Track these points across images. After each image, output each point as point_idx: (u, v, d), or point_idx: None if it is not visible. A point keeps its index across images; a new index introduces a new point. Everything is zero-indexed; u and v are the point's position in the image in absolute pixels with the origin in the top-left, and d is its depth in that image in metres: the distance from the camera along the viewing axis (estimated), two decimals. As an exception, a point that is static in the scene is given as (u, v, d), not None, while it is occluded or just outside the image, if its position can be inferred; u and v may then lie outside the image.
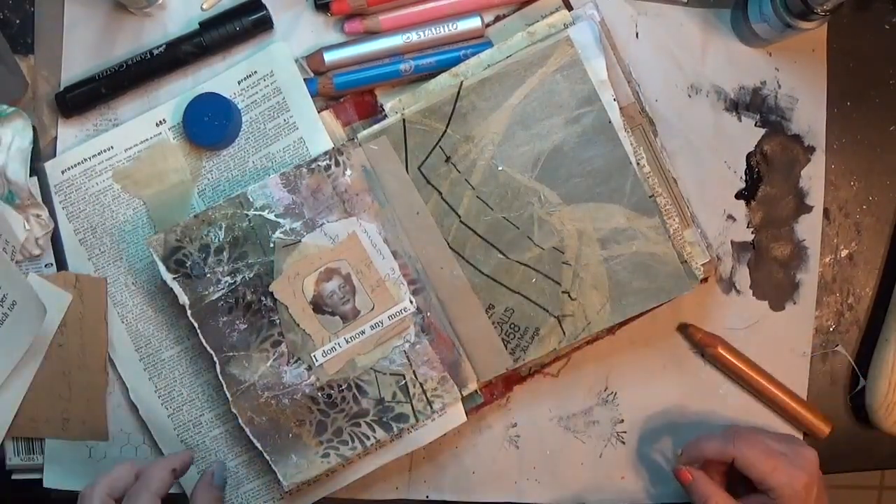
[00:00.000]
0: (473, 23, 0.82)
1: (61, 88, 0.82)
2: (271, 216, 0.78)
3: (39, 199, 0.80)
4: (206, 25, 0.81)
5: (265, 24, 0.81)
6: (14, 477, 0.83)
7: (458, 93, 0.79)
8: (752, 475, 0.76)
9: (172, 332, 0.82)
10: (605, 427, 0.85)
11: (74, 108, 0.81)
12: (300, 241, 0.78)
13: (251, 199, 0.78)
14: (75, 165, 0.81)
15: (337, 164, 0.78)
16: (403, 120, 0.79)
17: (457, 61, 0.81)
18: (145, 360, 0.82)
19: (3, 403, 0.80)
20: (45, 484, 0.82)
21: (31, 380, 0.80)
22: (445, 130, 0.79)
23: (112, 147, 0.81)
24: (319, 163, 0.78)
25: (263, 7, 0.81)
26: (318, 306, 0.78)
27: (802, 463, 0.76)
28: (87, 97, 0.81)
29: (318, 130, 0.81)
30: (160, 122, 0.81)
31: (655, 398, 0.85)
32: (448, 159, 0.79)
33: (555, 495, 0.86)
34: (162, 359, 0.82)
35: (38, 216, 0.80)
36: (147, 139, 0.81)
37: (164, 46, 0.81)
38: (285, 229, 0.78)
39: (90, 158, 0.81)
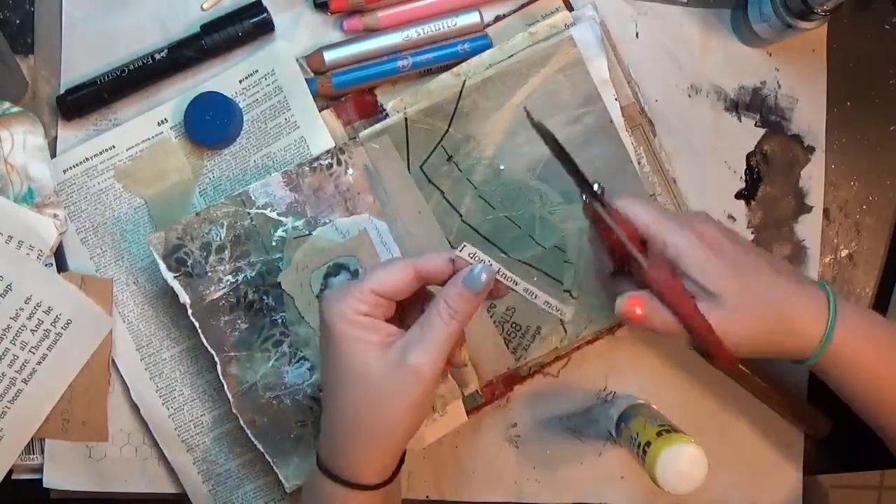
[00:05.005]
0: (472, 18, 0.82)
1: (62, 89, 0.82)
2: (273, 214, 0.78)
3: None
4: (208, 28, 0.81)
5: (266, 27, 0.81)
6: (14, 477, 0.83)
7: (461, 92, 0.79)
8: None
9: (173, 332, 0.82)
10: (605, 427, 0.85)
11: (76, 112, 0.81)
12: (311, 233, 0.78)
13: (253, 198, 0.78)
14: (77, 165, 0.81)
15: (339, 162, 0.78)
16: (406, 119, 0.79)
17: (454, 56, 0.81)
18: (146, 359, 0.82)
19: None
20: (45, 484, 0.82)
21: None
22: (447, 129, 0.79)
23: (114, 146, 0.81)
24: (321, 161, 0.78)
25: (264, 9, 0.81)
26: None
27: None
28: (89, 101, 0.81)
29: (319, 129, 0.81)
30: (162, 121, 0.81)
31: (655, 398, 0.85)
32: (450, 158, 0.79)
33: (555, 495, 0.86)
34: (163, 358, 0.82)
35: (55, 216, 0.80)
36: (148, 138, 0.81)
37: (165, 51, 0.81)
38: (287, 228, 0.78)
39: (92, 158, 0.81)
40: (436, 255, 0.64)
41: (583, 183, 0.64)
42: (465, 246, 0.64)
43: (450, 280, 0.63)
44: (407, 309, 0.67)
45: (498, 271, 0.64)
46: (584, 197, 0.64)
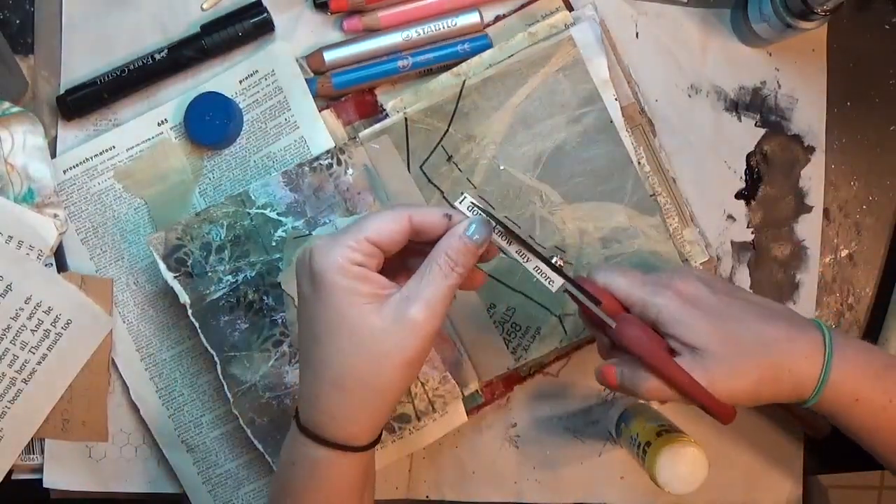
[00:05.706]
0: (472, 18, 0.82)
1: (62, 90, 0.82)
2: (273, 214, 0.78)
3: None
4: (207, 28, 0.81)
5: (266, 27, 0.81)
6: (14, 477, 0.83)
7: (461, 92, 0.79)
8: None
9: (173, 332, 0.82)
10: (605, 427, 0.85)
11: (76, 112, 0.81)
12: (310, 233, 0.78)
13: (253, 198, 0.78)
14: (77, 165, 0.81)
15: (339, 162, 0.78)
16: (406, 119, 0.79)
17: (454, 56, 0.81)
18: (146, 360, 0.82)
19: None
20: (45, 484, 0.82)
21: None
22: (447, 129, 0.79)
23: (114, 147, 0.81)
24: (321, 161, 0.78)
25: (265, 10, 0.81)
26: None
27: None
28: (89, 101, 0.81)
29: (319, 130, 0.81)
30: (162, 121, 0.81)
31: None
32: (450, 158, 0.79)
33: (555, 495, 0.86)
34: (163, 359, 0.82)
35: (55, 216, 0.80)
36: (149, 139, 0.81)
37: (165, 51, 0.81)
38: (287, 228, 0.78)
39: (92, 158, 0.81)
40: (433, 208, 0.61)
41: (542, 259, 0.63)
42: (464, 197, 0.61)
43: (447, 233, 0.60)
44: (389, 264, 0.62)
45: (495, 228, 0.62)
46: (555, 280, 0.64)
